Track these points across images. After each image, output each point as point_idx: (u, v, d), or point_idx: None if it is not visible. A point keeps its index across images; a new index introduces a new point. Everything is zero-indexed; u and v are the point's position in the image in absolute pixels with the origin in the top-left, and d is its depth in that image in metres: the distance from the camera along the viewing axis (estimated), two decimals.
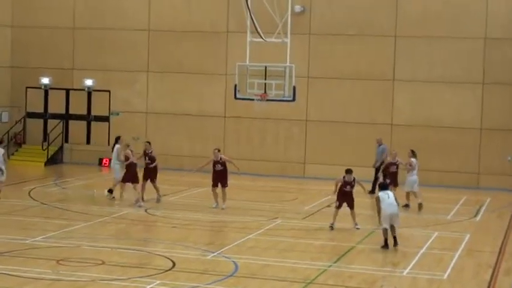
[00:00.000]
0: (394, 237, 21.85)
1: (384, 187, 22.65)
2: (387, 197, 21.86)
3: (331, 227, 24.06)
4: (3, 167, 26.63)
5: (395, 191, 27.03)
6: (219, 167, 27.15)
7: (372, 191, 30.83)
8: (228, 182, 27.21)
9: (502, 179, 33.83)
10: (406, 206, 27.76)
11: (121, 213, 25.53)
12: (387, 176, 27.94)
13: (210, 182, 27.27)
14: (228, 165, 27.24)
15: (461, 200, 30.50)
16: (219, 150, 27.43)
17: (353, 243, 22.04)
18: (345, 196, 24.21)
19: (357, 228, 24.15)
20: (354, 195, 24.45)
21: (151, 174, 27.47)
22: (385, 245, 21.73)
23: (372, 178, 30.99)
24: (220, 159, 27.26)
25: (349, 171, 24.27)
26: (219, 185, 27.06)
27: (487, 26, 34.02)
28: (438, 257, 20.78)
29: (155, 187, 27.52)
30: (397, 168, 28.27)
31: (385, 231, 21.77)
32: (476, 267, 19.77)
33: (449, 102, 34.52)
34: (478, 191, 33.43)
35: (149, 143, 28.05)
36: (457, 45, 34.35)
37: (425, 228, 24.58)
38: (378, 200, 22.06)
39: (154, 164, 27.45)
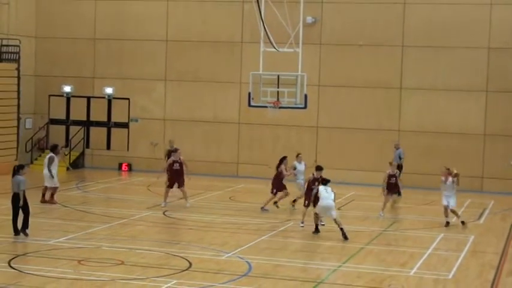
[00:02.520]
0: (342, 229, 22.86)
1: (324, 182, 23.66)
2: (325, 191, 23.19)
3: (302, 225, 24.41)
4: (53, 171, 27.41)
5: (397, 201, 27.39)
6: (177, 166, 27.76)
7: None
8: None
9: (505, 182, 33.97)
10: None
11: (140, 215, 25.72)
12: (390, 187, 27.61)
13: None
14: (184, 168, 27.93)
15: (465, 203, 30.35)
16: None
17: (362, 244, 22.26)
18: (311, 194, 24.26)
19: (322, 225, 24.32)
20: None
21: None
22: (316, 230, 23.48)
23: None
24: (179, 159, 27.84)
25: (318, 168, 24.84)
26: (176, 185, 27.73)
27: (491, 36, 34.17)
28: (443, 257, 21.05)
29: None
30: (395, 179, 27.61)
31: (316, 216, 23.47)
32: (480, 268, 19.91)
33: (454, 109, 34.66)
34: (481, 194, 33.45)
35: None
36: (462, 55, 34.52)
37: (431, 230, 24.81)
38: (317, 191, 23.44)
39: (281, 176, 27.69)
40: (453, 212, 25.79)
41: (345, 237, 22.76)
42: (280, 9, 28.88)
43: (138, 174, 36.64)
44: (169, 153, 29.35)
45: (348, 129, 35.71)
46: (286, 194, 27.79)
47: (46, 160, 27.55)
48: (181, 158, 28.06)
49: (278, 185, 27.54)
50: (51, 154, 27.70)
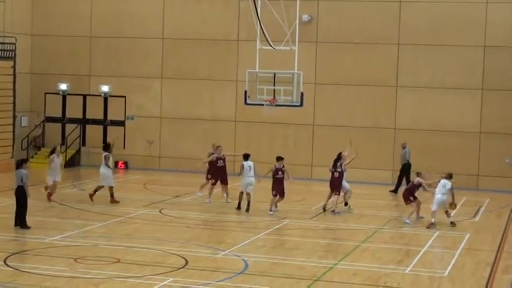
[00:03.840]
0: (248, 202, 26.33)
1: (246, 157, 26.93)
2: (249, 168, 26.46)
3: (271, 213, 26.34)
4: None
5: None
6: (221, 163, 28.34)
7: (395, 191, 31.86)
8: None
9: (500, 180, 34.06)
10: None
11: (136, 213, 25.79)
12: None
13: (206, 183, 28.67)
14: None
15: (461, 200, 30.18)
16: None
17: (358, 242, 22.37)
18: (276, 183, 26.25)
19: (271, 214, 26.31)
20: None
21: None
22: (238, 207, 26.75)
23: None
24: (222, 155, 28.32)
25: (279, 159, 26.43)
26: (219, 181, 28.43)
27: (486, 35, 34.29)
28: (439, 255, 21.27)
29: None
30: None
31: (240, 194, 26.78)
32: (476, 265, 20.02)
33: (450, 107, 34.74)
34: (477, 192, 33.57)
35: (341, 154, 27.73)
36: (458, 53, 34.61)
37: (427, 228, 24.79)
38: (242, 167, 26.66)
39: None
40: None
41: (247, 210, 26.41)
42: (277, 7, 28.93)
43: (134, 172, 36.71)
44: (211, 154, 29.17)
45: (344, 127, 35.70)
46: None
47: (103, 159, 27.78)
48: (224, 154, 28.52)
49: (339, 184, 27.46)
50: (107, 153, 27.90)
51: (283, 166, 26.28)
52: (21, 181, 22.67)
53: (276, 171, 26.16)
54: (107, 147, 28.55)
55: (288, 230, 24.15)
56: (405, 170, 32.42)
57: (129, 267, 18.52)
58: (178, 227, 24.25)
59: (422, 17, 35.05)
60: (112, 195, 27.62)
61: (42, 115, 39.43)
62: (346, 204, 27.95)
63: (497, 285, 18.48)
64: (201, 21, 37.30)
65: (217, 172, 28.46)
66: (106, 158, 27.70)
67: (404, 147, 32.59)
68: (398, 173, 32.81)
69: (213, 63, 37.20)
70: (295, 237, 23.21)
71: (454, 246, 22.33)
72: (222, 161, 28.49)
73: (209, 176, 28.81)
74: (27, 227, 22.61)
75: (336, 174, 27.36)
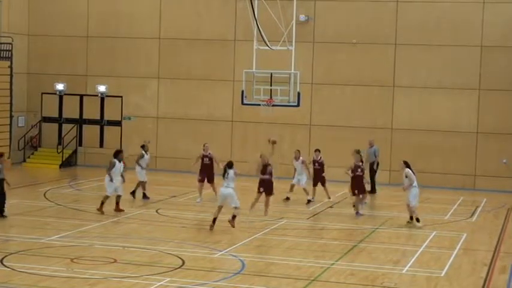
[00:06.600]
0: (233, 216, 23.70)
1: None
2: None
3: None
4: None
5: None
6: (206, 161, 28.34)
7: (372, 191, 31.61)
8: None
9: (497, 180, 34.07)
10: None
11: (133, 213, 25.86)
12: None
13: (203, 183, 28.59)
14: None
15: (458, 200, 30.74)
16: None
17: (354, 242, 22.39)
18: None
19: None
20: None
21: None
22: (212, 225, 23.52)
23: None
24: (209, 154, 28.30)
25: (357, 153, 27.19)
26: (206, 179, 28.39)
27: (483, 35, 34.30)
28: (436, 255, 21.16)
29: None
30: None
31: (218, 209, 23.65)
32: (473, 265, 20.07)
33: (446, 107, 34.77)
34: (474, 192, 33.63)
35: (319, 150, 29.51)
36: (455, 53, 34.62)
37: (424, 228, 24.83)
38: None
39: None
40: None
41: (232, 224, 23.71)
42: (274, 7, 29.01)
43: (131, 172, 36.56)
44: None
45: (341, 127, 35.80)
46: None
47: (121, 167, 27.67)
48: (211, 152, 28.54)
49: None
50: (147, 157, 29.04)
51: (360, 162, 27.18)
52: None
53: (355, 168, 26.68)
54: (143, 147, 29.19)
55: (285, 230, 24.07)
56: (372, 169, 32.17)
57: (126, 267, 18.51)
58: (175, 227, 24.21)
59: (419, 17, 35.07)
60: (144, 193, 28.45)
61: (39, 115, 39.47)
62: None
63: (494, 285, 18.49)
64: (198, 21, 37.32)
65: (202, 170, 28.61)
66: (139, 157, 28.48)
67: (372, 146, 32.45)
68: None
69: (209, 63, 37.20)
70: (292, 237, 23.14)
71: (451, 246, 22.34)
72: (207, 159, 28.63)
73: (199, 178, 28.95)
74: (5, 217, 23.87)
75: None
